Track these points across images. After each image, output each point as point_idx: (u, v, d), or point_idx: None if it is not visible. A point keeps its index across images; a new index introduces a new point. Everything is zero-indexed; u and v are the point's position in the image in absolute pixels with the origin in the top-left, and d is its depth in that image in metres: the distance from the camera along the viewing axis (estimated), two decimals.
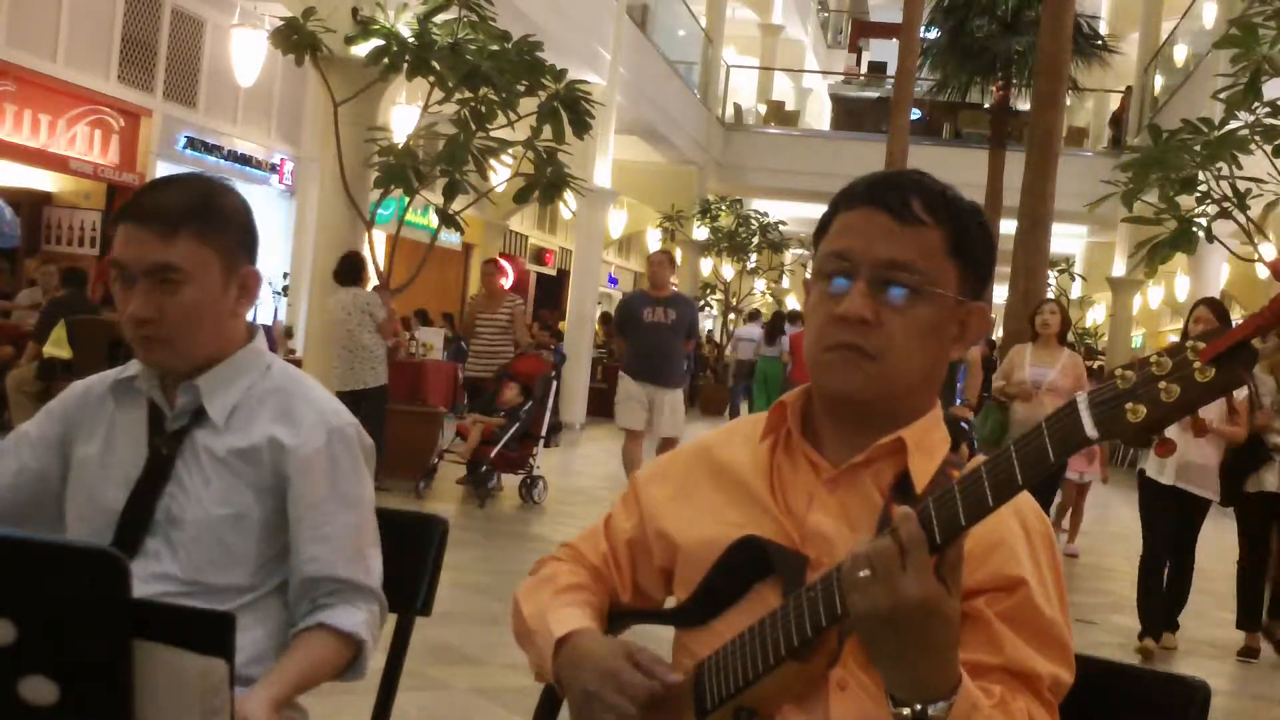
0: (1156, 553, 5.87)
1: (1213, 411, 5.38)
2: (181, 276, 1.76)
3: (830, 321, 1.35)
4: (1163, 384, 1.01)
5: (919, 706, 1.14)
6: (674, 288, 8.76)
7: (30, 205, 12.14)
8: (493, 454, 8.40)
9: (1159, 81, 20.31)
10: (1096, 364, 23.31)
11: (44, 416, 1.93)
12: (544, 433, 8.75)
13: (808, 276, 1.48)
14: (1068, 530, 8.88)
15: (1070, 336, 24.28)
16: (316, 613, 1.80)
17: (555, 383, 8.93)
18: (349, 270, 8.40)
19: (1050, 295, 7.76)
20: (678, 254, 22.80)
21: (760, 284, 24.42)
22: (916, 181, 1.39)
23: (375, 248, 9.17)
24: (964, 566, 1.15)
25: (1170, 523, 5.81)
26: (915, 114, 18.92)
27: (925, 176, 1.41)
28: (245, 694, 1.66)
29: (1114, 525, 7.93)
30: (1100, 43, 18.60)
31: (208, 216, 1.79)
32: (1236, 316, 20.85)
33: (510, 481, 8.87)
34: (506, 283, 17.18)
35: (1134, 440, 1.04)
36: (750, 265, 22.68)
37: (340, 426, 1.86)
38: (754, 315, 20.98)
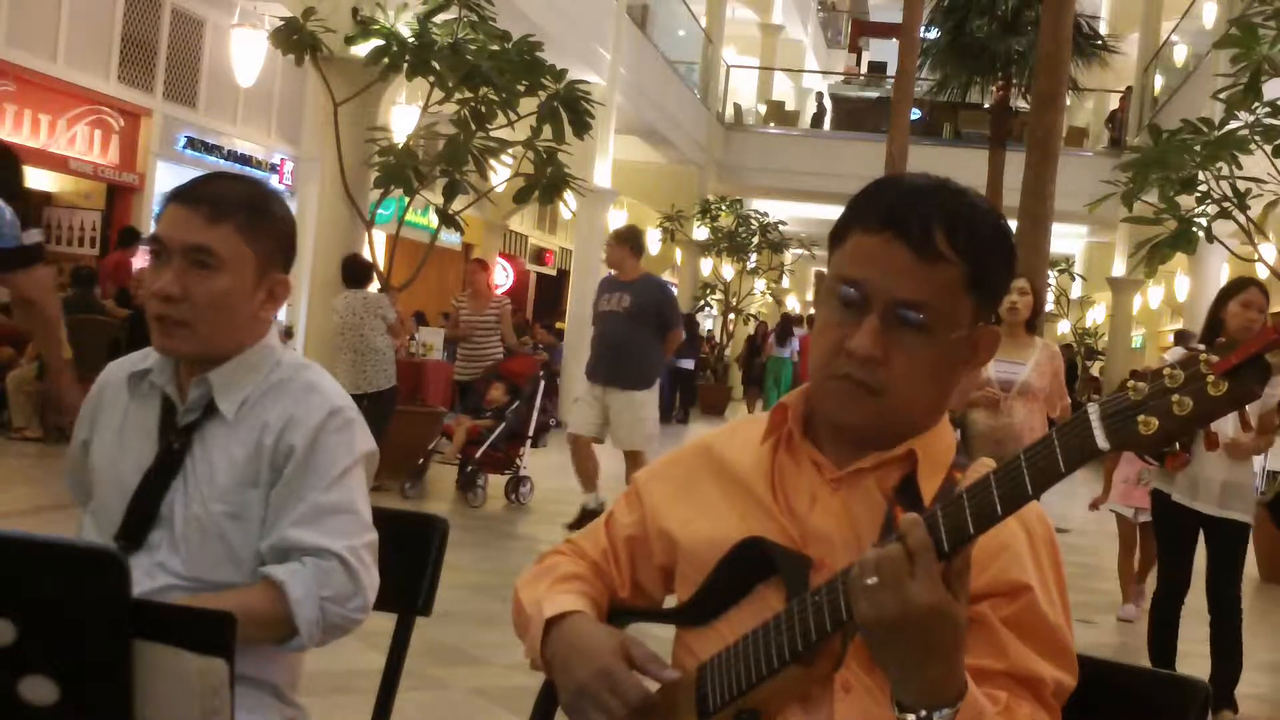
0: (1176, 591, 4.92)
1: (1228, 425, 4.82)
2: (216, 263, 1.78)
3: (838, 351, 1.33)
4: (1175, 397, 1.00)
5: (924, 712, 1.14)
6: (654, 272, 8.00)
7: (30, 205, 12.13)
8: (479, 454, 8.28)
9: (1159, 81, 20.31)
10: (1096, 365, 23.33)
11: (79, 422, 1.96)
12: (531, 433, 8.65)
13: (818, 270, 1.47)
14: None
15: (1070, 338, 23.97)
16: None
17: (544, 383, 8.86)
18: (354, 272, 8.37)
19: (1020, 277, 5.89)
20: (677, 255, 22.96)
21: (760, 284, 24.43)
22: (941, 206, 1.32)
23: (375, 248, 9.16)
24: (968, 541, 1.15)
25: (1191, 557, 4.88)
26: (915, 114, 18.91)
27: (950, 199, 1.34)
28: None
29: (1111, 525, 7.93)
30: (1100, 43, 18.58)
31: (256, 214, 1.82)
32: None
33: (496, 481, 8.71)
34: (506, 281, 17.25)
35: (1147, 452, 1.04)
36: (750, 265, 22.69)
37: (342, 408, 1.85)
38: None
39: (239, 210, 1.80)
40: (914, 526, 1.11)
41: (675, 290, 15.61)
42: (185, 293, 1.77)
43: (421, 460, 8.48)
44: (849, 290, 1.33)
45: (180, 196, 1.81)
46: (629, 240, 7.69)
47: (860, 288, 1.32)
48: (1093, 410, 1.05)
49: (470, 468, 8.33)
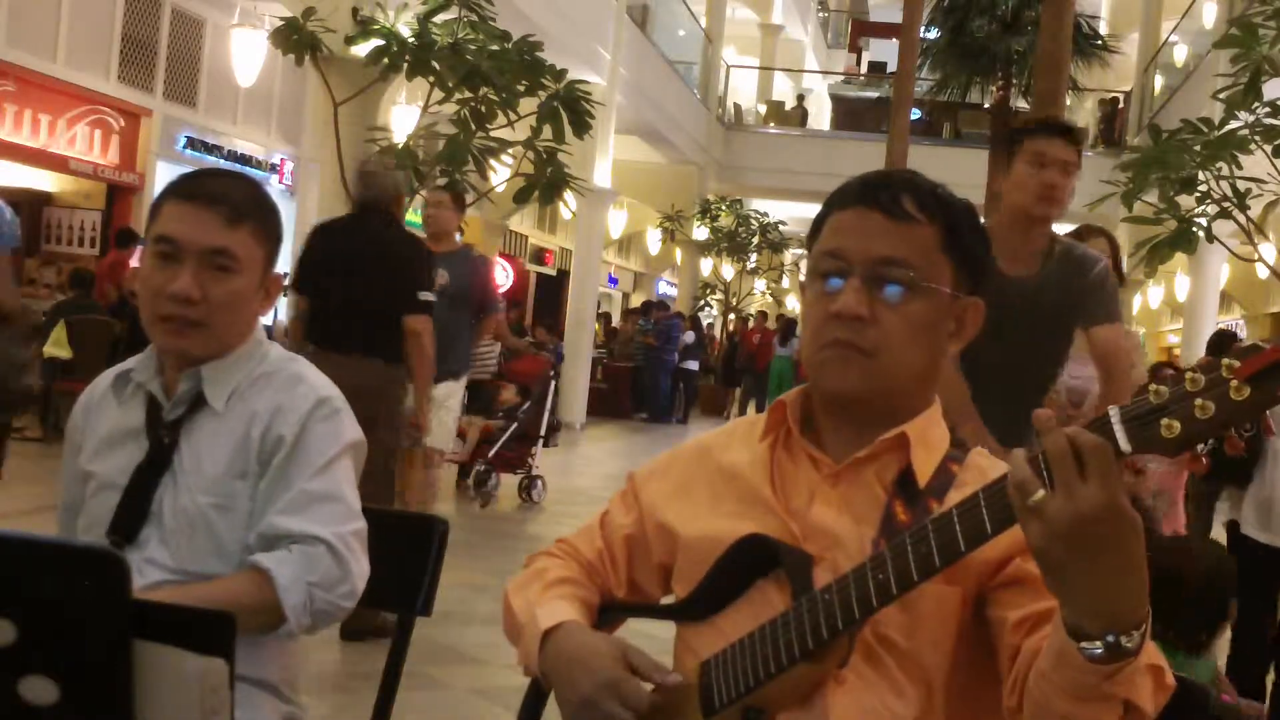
0: (1254, 652, 3.88)
1: None
2: (235, 265, 1.78)
3: (826, 320, 1.36)
4: (1198, 401, 1.01)
5: (1112, 638, 1.05)
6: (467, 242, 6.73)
7: (30, 205, 12.14)
8: (491, 454, 8.36)
9: (1159, 81, 20.32)
10: None
11: (73, 426, 1.96)
12: (542, 433, 8.71)
13: (802, 279, 1.48)
14: None
15: None
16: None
17: (553, 383, 8.90)
18: None
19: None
20: (677, 255, 22.98)
21: (760, 284, 24.43)
22: (908, 180, 1.40)
23: None
24: (985, 543, 1.15)
25: (1275, 607, 3.94)
26: (915, 114, 18.91)
27: (916, 175, 1.42)
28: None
29: None
30: (1100, 43, 18.59)
31: (265, 214, 1.85)
32: (1236, 316, 20.81)
33: (509, 481, 8.80)
34: (506, 281, 17.24)
35: (1169, 455, 1.04)
36: (750, 265, 22.69)
37: (329, 398, 1.85)
38: None
39: (255, 212, 1.82)
40: (1080, 433, 1.04)
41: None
42: (203, 295, 1.77)
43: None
44: (830, 260, 1.37)
45: (190, 195, 1.79)
46: (459, 200, 6.59)
47: (839, 254, 1.37)
48: (1114, 413, 1.05)
49: (483, 467, 8.37)
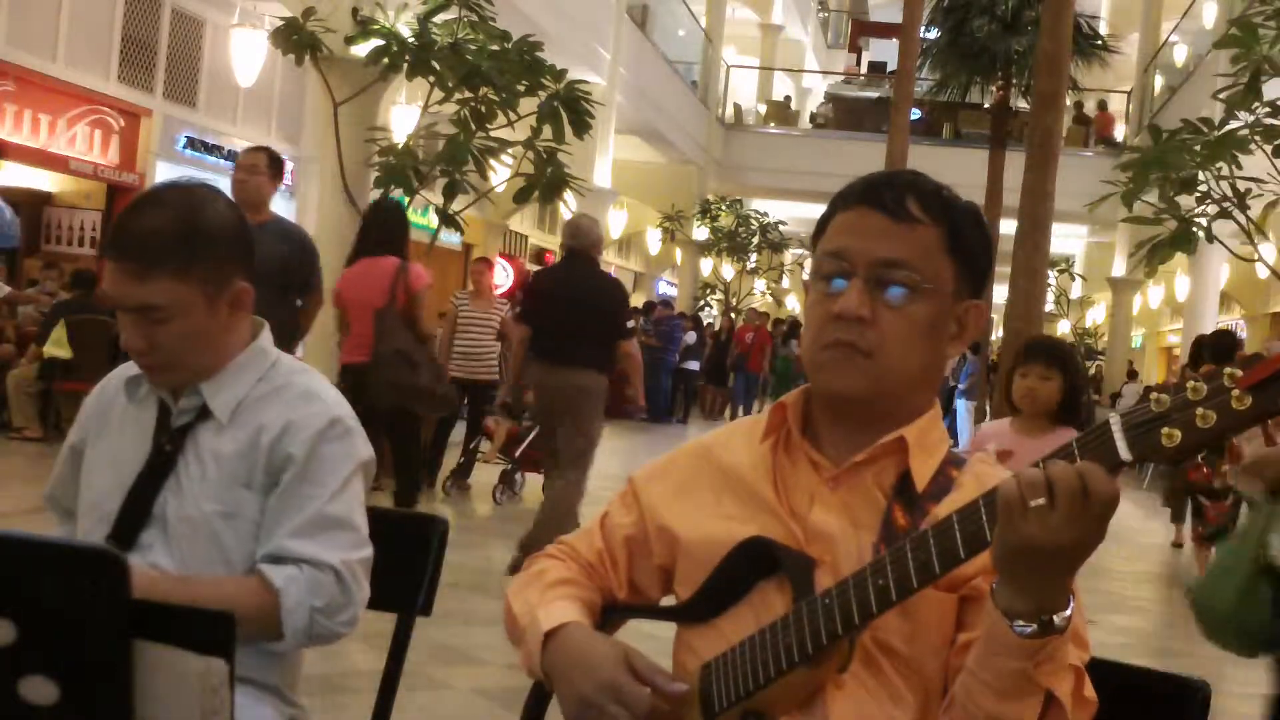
0: None
1: None
2: (163, 314, 1.74)
3: (827, 320, 1.36)
4: (1199, 410, 1.01)
5: (1046, 618, 1.13)
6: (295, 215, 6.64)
7: (30, 205, 12.13)
8: (517, 453, 8.54)
9: (1159, 81, 20.32)
10: (1096, 365, 23.34)
11: (75, 425, 1.96)
12: None
13: (805, 278, 1.48)
14: None
15: (1070, 338, 23.77)
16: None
17: None
18: None
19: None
20: (677, 255, 22.98)
21: (760, 284, 24.43)
22: (911, 181, 1.40)
23: None
24: (984, 550, 1.16)
25: None
26: (915, 114, 18.90)
27: (920, 176, 1.42)
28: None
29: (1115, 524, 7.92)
30: (1100, 43, 18.58)
31: (184, 249, 1.74)
32: (1236, 316, 20.75)
33: (533, 481, 8.87)
34: (506, 281, 17.23)
35: (1169, 464, 1.05)
36: (750, 265, 22.68)
37: (341, 417, 1.84)
38: None
39: (166, 255, 1.73)
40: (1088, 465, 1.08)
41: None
42: (150, 344, 1.76)
43: (465, 459, 8.82)
44: (834, 260, 1.37)
45: (111, 250, 1.76)
46: (276, 165, 5.69)
47: (842, 255, 1.37)
48: (1114, 421, 1.05)
49: (510, 466, 8.56)
